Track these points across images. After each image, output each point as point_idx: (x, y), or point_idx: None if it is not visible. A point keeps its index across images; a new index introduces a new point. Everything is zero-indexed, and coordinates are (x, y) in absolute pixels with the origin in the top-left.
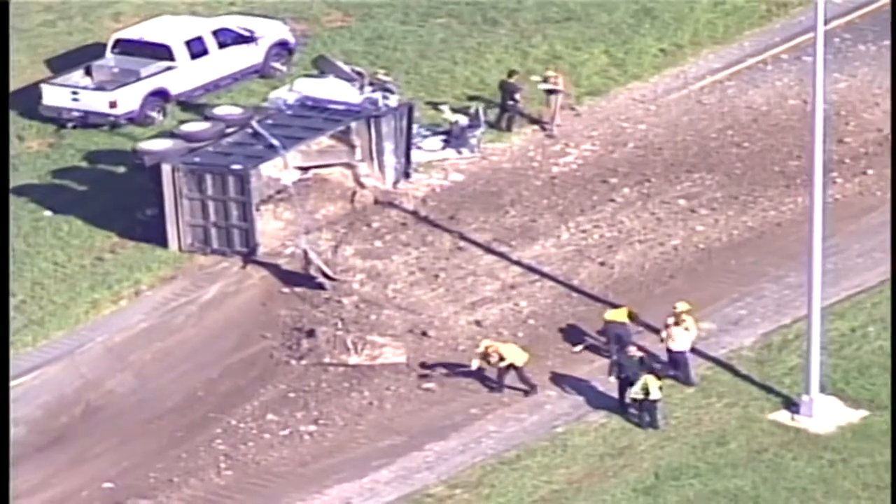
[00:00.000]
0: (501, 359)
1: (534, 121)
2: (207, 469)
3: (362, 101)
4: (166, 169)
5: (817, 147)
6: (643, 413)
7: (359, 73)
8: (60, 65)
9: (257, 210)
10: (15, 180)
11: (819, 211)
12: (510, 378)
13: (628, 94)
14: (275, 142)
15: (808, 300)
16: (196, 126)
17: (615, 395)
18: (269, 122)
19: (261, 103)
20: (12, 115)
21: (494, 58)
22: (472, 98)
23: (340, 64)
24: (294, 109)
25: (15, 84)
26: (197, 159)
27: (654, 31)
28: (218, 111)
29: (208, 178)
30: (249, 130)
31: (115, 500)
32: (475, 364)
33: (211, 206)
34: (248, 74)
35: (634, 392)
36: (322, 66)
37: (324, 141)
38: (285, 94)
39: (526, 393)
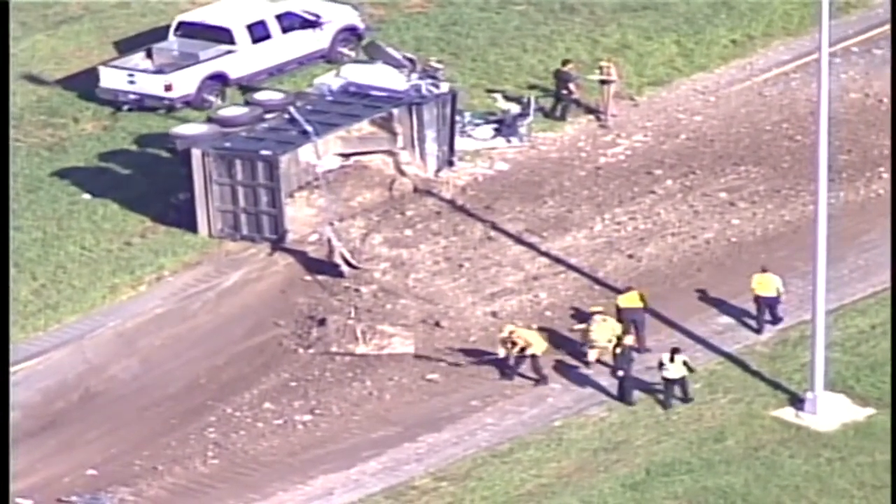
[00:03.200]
0: (525, 346)
1: (590, 110)
2: (194, 457)
3: (406, 89)
4: (196, 154)
5: (821, 150)
6: (671, 390)
7: (410, 60)
8: (127, 47)
9: (291, 197)
10: (63, 163)
11: (823, 212)
12: (523, 367)
13: (691, 84)
14: (308, 128)
15: (812, 296)
16: (233, 111)
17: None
18: (309, 107)
19: (305, 89)
20: (71, 96)
21: (564, 46)
22: (532, 87)
23: (391, 50)
24: (335, 95)
25: (79, 66)
26: (227, 144)
27: (729, 22)
28: (258, 96)
29: (238, 164)
30: (286, 116)
31: (96, 488)
32: (502, 352)
33: (240, 191)
34: (314, 59)
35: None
36: (372, 53)
37: (365, 128)
38: (331, 80)
39: (536, 382)
